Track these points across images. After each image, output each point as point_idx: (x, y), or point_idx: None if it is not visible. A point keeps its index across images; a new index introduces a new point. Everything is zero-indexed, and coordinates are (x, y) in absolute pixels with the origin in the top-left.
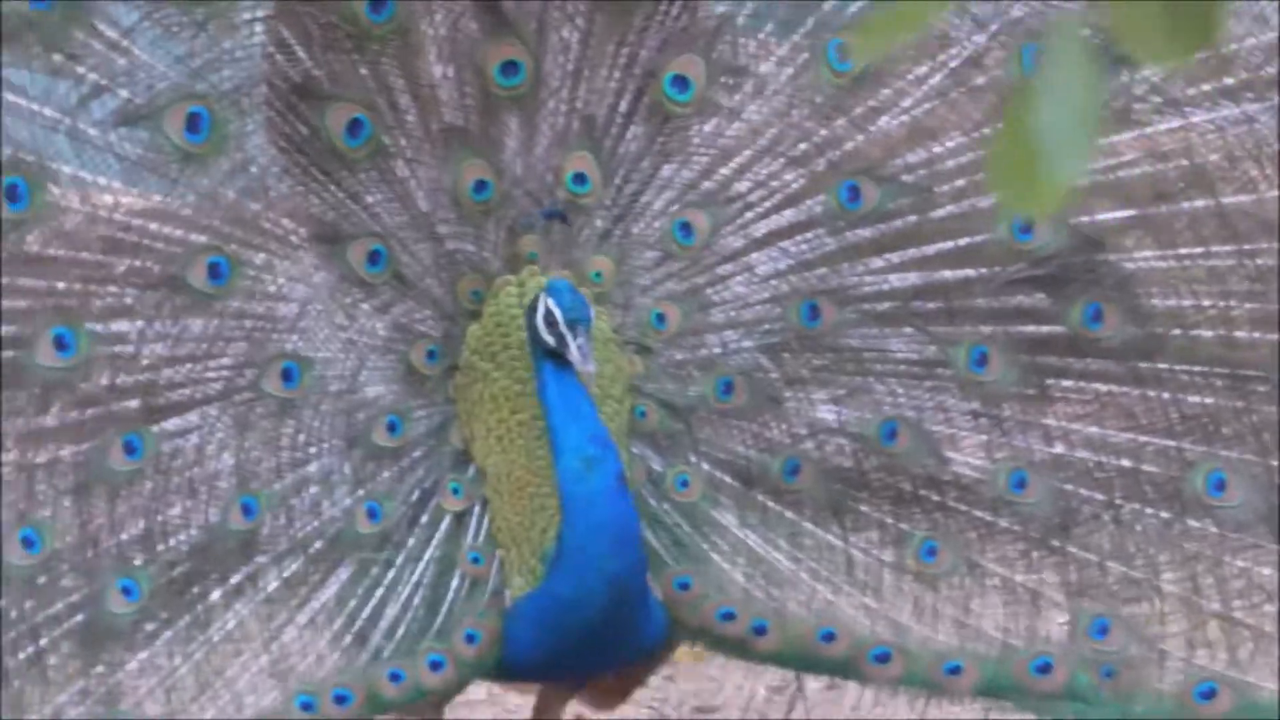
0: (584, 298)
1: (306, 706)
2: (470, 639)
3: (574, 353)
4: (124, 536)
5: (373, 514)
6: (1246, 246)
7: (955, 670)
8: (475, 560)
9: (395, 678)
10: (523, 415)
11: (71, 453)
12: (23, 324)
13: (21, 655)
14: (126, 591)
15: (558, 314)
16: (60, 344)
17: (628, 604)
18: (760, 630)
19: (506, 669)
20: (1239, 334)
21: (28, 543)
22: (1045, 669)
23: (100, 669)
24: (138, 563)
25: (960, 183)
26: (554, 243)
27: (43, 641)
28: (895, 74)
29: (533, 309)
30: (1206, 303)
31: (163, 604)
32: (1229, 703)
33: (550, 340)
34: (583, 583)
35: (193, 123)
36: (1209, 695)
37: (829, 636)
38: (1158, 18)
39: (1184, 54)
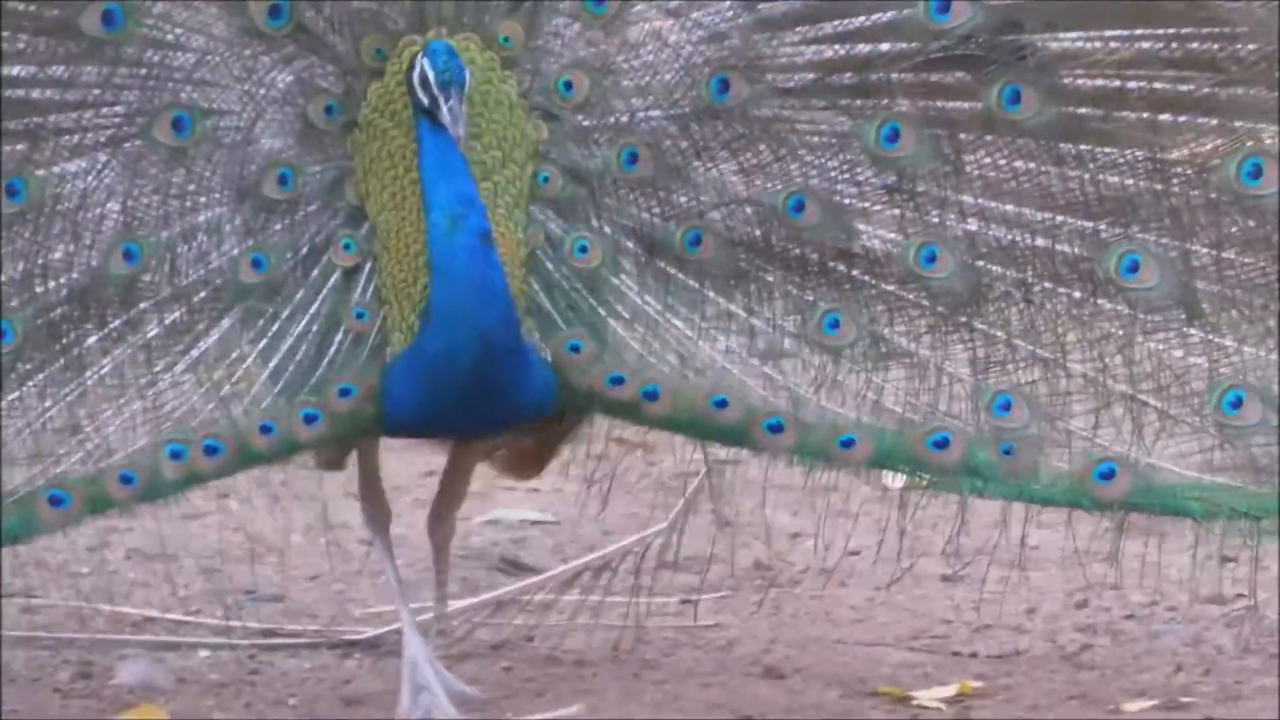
0: (460, 60)
1: (176, 455)
2: (344, 393)
3: (444, 115)
4: (1, 278)
5: (258, 264)
6: (1173, 30)
7: (849, 443)
8: (360, 316)
9: (266, 430)
10: (416, 174)
11: None
12: None
13: None
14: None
15: (431, 75)
16: None
17: (497, 358)
18: (652, 395)
19: (387, 425)
20: (1163, 117)
21: None
22: (942, 444)
23: None
24: (14, 304)
25: None
26: (462, 4)
27: None
28: None
29: (410, 68)
30: (1132, 85)
31: (37, 346)
32: (1127, 484)
33: (424, 100)
34: (450, 337)
35: None
36: (1108, 476)
37: (721, 404)
38: None
39: None
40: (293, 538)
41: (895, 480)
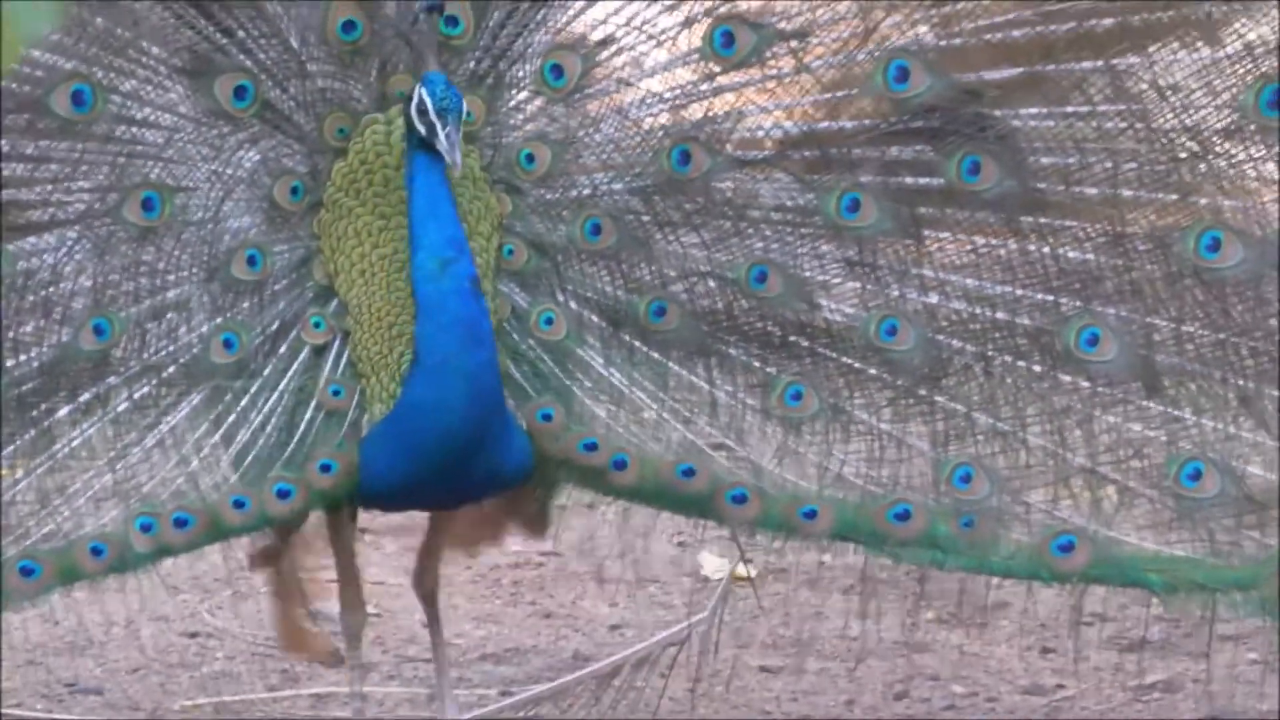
0: (457, 90)
1: (146, 528)
2: (326, 469)
3: (441, 141)
4: None
5: (228, 344)
6: (1136, 107)
7: (811, 514)
8: (336, 393)
9: (239, 504)
10: (384, 250)
11: None
12: None
13: None
14: None
15: (429, 103)
16: None
17: (486, 407)
18: (620, 464)
19: (365, 496)
20: (1125, 193)
21: None
22: (903, 516)
23: None
24: None
25: (839, 33)
26: None
27: None
28: None
29: (408, 99)
30: (1092, 159)
31: (7, 419)
32: (1087, 556)
33: (421, 129)
34: (439, 385)
35: None
36: (1067, 549)
37: (688, 472)
38: None
39: None
40: (113, 630)
41: (715, 570)
